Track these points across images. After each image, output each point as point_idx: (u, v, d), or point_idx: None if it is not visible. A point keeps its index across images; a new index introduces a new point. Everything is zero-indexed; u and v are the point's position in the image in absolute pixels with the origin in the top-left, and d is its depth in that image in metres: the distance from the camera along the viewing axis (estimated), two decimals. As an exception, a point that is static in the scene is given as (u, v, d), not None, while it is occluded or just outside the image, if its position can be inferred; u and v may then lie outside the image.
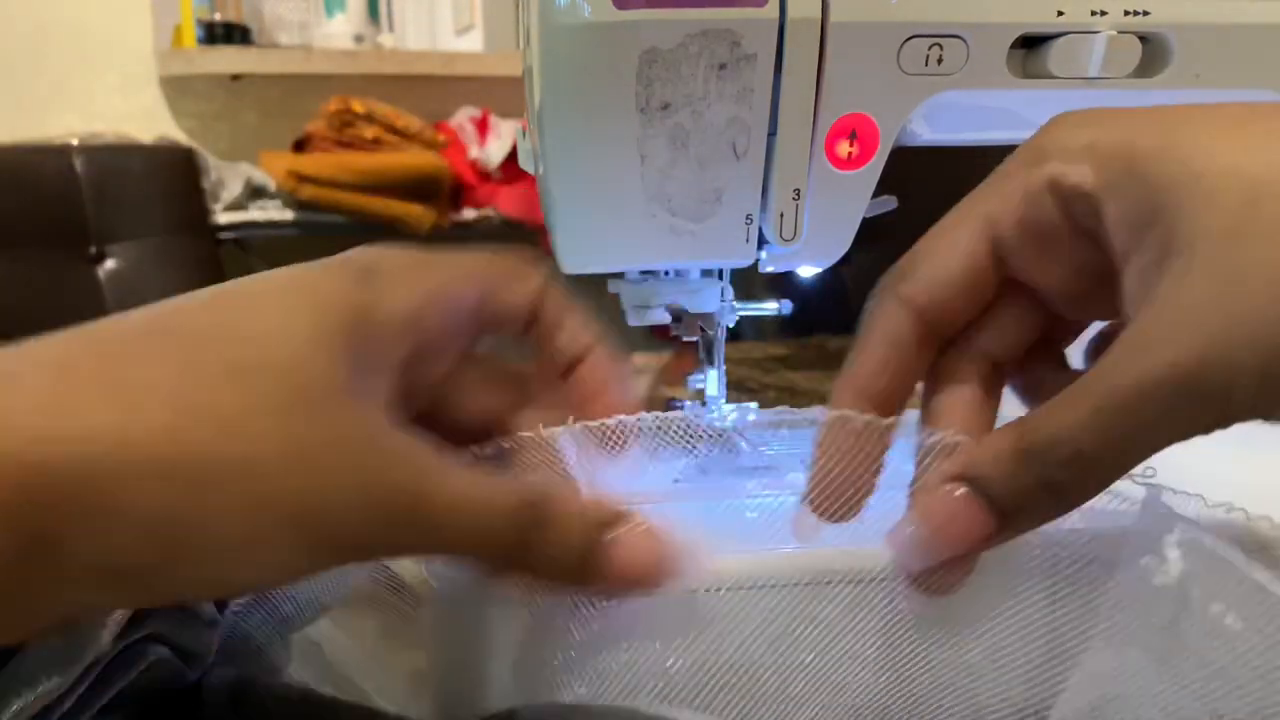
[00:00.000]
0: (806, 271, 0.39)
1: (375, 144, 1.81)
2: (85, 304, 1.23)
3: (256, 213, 1.78)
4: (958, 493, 0.24)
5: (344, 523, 0.22)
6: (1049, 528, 0.25)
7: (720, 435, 0.42)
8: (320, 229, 1.81)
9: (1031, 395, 0.28)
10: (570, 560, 0.24)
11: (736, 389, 0.42)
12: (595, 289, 0.43)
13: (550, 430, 0.29)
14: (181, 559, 0.20)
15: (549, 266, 0.30)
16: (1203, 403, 0.21)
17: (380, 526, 0.22)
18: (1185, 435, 0.22)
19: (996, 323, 0.27)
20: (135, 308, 0.22)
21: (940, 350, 0.28)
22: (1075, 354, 0.30)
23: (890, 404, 0.27)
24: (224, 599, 0.23)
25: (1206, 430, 0.21)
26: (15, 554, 0.19)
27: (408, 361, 0.26)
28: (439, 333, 0.26)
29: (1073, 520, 0.25)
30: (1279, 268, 0.19)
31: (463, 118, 1.94)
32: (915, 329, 0.27)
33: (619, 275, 0.41)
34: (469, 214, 1.88)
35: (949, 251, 0.26)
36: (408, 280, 0.25)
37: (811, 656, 0.28)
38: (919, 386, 0.29)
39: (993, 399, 0.28)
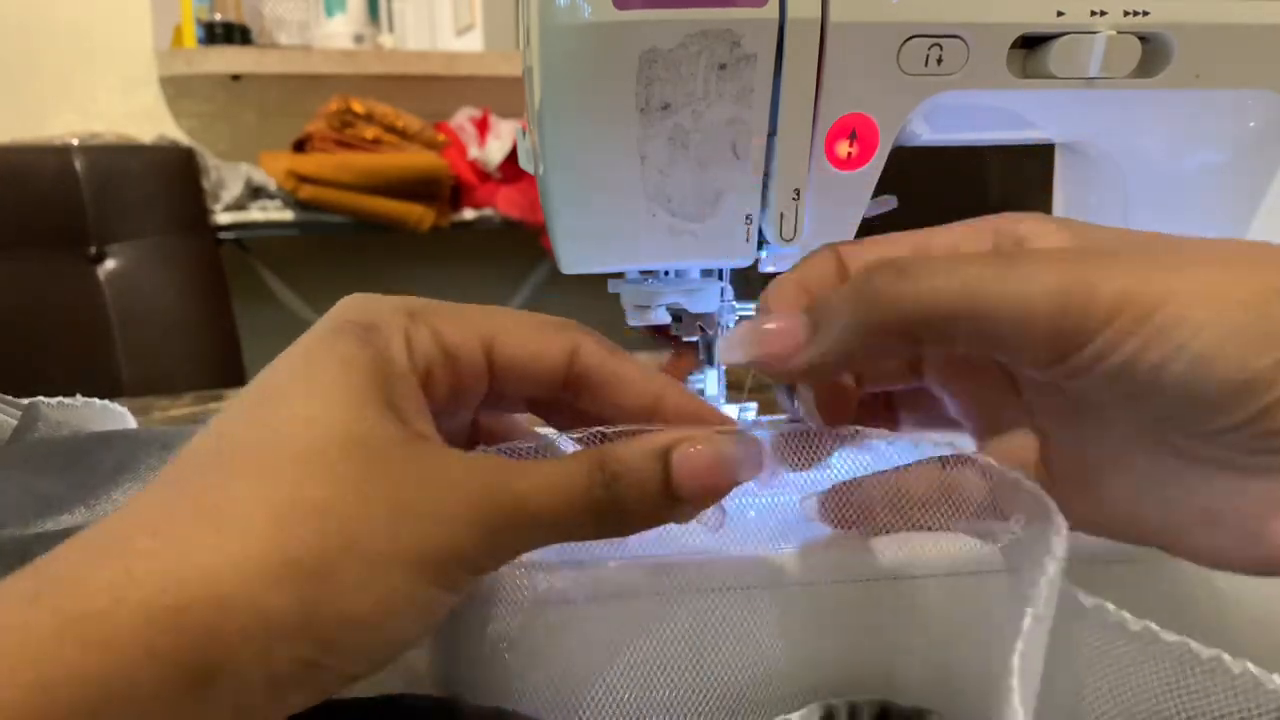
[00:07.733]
0: (806, 272, 0.39)
1: (375, 144, 1.81)
2: (85, 304, 1.23)
3: (256, 213, 1.78)
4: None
5: (457, 547, 0.23)
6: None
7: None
8: (320, 229, 1.81)
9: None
10: (654, 495, 0.25)
11: (736, 389, 0.42)
12: (595, 289, 0.44)
13: (554, 432, 0.29)
14: (334, 644, 0.22)
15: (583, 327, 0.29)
16: None
17: (486, 537, 0.24)
18: None
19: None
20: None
21: None
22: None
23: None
24: (386, 663, 0.23)
25: None
26: (187, 692, 0.20)
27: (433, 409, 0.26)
28: (447, 384, 0.27)
29: None
30: None
31: (463, 118, 1.93)
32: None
33: (619, 275, 0.41)
34: (469, 214, 1.88)
35: None
36: (404, 333, 0.26)
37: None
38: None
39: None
